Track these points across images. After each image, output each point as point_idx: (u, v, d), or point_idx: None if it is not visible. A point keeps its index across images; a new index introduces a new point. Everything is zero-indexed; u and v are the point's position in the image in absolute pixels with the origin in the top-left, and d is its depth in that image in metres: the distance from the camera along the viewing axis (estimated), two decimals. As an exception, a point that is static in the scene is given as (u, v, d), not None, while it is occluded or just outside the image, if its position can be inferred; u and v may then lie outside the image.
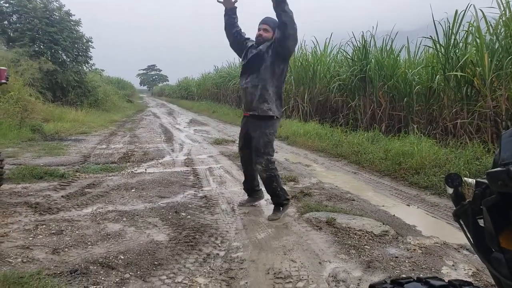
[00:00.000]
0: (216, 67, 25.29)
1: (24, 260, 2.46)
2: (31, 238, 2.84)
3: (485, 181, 0.70)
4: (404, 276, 2.21)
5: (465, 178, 0.87)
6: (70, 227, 3.09)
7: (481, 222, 0.76)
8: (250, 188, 3.89)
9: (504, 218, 0.67)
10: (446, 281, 0.80)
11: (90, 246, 2.72)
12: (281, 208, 3.55)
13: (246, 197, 3.99)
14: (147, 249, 2.69)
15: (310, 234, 3.05)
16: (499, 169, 0.61)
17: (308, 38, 23.90)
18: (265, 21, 3.54)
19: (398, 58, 8.80)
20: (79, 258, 2.51)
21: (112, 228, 3.11)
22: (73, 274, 2.29)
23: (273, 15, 3.34)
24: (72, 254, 2.58)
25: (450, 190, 0.80)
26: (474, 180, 0.81)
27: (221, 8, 3.76)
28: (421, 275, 2.30)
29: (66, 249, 2.65)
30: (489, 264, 0.73)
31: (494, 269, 0.71)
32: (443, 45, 6.73)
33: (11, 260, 2.45)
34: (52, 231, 2.98)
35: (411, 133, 6.78)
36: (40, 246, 2.69)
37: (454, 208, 0.82)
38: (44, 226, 3.10)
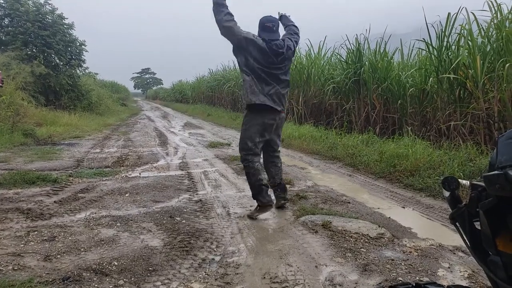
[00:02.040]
0: (211, 70, 25.29)
1: (15, 268, 2.42)
2: (22, 245, 2.80)
3: (481, 183, 0.70)
4: (402, 281, 2.21)
5: (459, 180, 0.86)
6: (62, 233, 3.05)
7: (477, 225, 0.75)
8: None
9: (500, 221, 0.67)
10: (445, 286, 0.79)
11: (83, 253, 2.69)
12: (257, 207, 3.59)
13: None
14: (141, 255, 2.66)
15: (306, 238, 3.04)
16: (496, 172, 0.61)
17: (302, 41, 23.89)
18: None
19: (391, 60, 8.85)
20: (71, 265, 2.48)
21: (106, 233, 3.08)
22: (65, 281, 2.26)
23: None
24: (65, 261, 2.54)
25: (447, 193, 0.80)
26: (468, 182, 0.81)
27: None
28: (417, 278, 2.30)
29: (58, 256, 2.62)
30: (486, 267, 0.72)
31: (491, 272, 0.70)
32: (436, 47, 6.78)
33: (1, 268, 2.41)
34: (44, 238, 2.94)
35: (405, 135, 6.80)
36: (31, 253, 2.65)
37: (450, 210, 0.81)
38: (36, 232, 3.06)
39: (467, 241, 0.77)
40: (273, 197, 3.81)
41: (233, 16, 3.39)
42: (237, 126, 12.42)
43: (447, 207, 3.84)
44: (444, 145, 5.87)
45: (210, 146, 8.37)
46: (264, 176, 3.67)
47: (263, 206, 3.56)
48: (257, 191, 3.56)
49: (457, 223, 0.80)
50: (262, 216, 3.61)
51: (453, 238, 3.01)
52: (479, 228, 0.73)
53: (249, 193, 4.35)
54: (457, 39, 6.56)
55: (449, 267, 2.52)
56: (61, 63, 14.96)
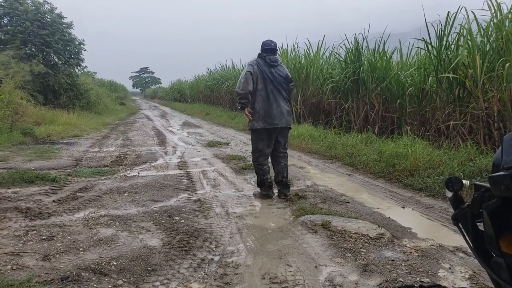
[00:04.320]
0: (209, 69, 25.25)
1: (14, 267, 2.41)
2: (21, 245, 2.79)
3: (484, 184, 0.69)
4: (404, 283, 2.20)
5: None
6: (61, 233, 3.04)
7: (480, 226, 0.75)
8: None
9: (504, 222, 0.66)
10: None
11: (82, 252, 2.68)
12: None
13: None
14: (140, 255, 2.65)
15: (305, 238, 3.03)
16: (502, 173, 0.60)
17: (301, 41, 23.85)
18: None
19: (390, 60, 8.84)
20: (70, 265, 2.46)
21: (105, 233, 3.07)
22: (64, 281, 2.25)
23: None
24: (64, 261, 2.53)
25: (450, 194, 0.79)
26: (469, 182, 0.80)
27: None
28: (418, 280, 2.29)
29: (57, 256, 2.60)
30: (489, 268, 0.71)
31: (494, 274, 0.70)
32: (435, 47, 6.77)
33: (0, 268, 2.40)
34: (43, 237, 2.93)
35: (404, 135, 6.79)
36: (30, 253, 2.64)
37: (451, 210, 0.81)
38: (34, 231, 3.04)
39: (469, 242, 0.76)
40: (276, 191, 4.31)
41: None
42: (235, 126, 12.40)
43: (448, 207, 3.83)
44: (444, 145, 5.87)
45: (209, 145, 8.35)
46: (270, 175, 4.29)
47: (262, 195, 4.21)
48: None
49: (459, 224, 0.79)
50: (262, 215, 3.62)
51: (454, 238, 3.00)
52: (482, 229, 0.73)
53: (248, 192, 4.41)
54: (456, 38, 6.56)
55: (450, 268, 2.51)
56: (60, 62, 14.93)
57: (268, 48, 4.21)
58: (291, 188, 4.54)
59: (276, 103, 4.10)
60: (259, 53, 4.24)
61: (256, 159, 4.23)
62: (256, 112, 4.07)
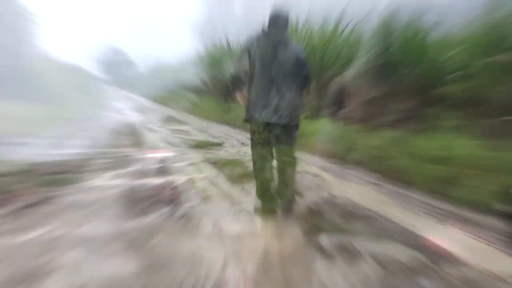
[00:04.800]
0: (199, 51, 25.24)
1: (-47, 300, 2.43)
2: (-39, 271, 2.81)
3: None
4: None
5: None
6: (12, 256, 3.05)
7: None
8: None
9: None
10: None
11: (38, 281, 2.70)
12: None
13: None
14: (110, 284, 2.67)
15: (319, 263, 3.05)
16: None
17: (314, 15, 23.78)
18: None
19: (427, 39, 8.84)
20: (23, 296, 2.49)
21: (66, 257, 3.08)
22: (16, 317, 2.27)
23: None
24: (15, 291, 2.55)
25: (506, 208, 0.81)
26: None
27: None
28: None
29: (7, 285, 2.62)
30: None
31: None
32: (485, 22, 6.78)
33: None
34: (-11, 262, 2.95)
35: (445, 133, 6.80)
36: (-27, 281, 2.66)
37: (508, 230, 0.82)
38: (-22, 255, 3.07)
39: None
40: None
41: None
42: (231, 121, 12.43)
43: (499, 224, 3.84)
44: (496, 146, 5.87)
45: (198, 146, 8.37)
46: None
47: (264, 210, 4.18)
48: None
49: None
50: (264, 235, 3.64)
51: (506, 263, 3.02)
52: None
53: (248, 206, 4.42)
54: None
55: (500, 300, 2.53)
56: (7, 41, 14.95)
57: (276, 22, 4.11)
58: (302, 201, 4.56)
59: (273, 92, 4.01)
60: (263, 26, 4.19)
61: (254, 161, 4.25)
62: (250, 99, 4.08)
